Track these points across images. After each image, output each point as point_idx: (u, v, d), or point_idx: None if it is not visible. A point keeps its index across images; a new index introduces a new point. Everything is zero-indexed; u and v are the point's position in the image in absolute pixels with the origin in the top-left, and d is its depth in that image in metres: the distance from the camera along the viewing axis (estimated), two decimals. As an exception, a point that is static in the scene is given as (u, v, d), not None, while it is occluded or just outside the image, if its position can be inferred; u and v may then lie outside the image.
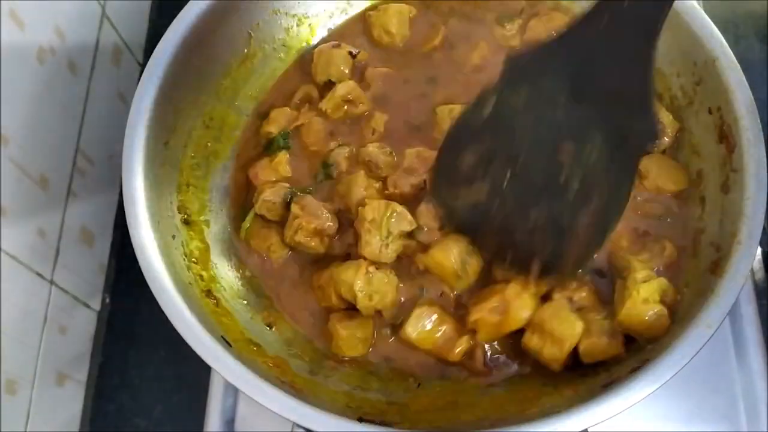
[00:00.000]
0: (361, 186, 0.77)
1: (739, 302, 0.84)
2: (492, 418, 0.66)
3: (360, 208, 0.74)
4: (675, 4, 0.74)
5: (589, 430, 0.61)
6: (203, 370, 0.77)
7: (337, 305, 0.75)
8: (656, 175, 0.77)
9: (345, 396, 0.70)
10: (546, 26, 0.86)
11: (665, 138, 0.79)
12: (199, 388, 0.84)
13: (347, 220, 0.78)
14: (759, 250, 0.89)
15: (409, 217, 0.73)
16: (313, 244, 0.77)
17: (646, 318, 0.67)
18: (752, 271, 0.86)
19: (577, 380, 0.69)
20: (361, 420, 0.63)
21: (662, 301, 0.68)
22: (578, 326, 0.67)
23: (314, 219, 0.76)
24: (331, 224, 0.77)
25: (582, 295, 0.71)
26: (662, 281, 0.69)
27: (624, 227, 0.75)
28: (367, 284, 0.72)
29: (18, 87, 0.75)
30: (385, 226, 0.72)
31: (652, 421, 0.80)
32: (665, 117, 0.79)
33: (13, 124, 0.74)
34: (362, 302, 0.72)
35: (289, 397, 0.62)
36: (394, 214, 0.73)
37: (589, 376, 0.69)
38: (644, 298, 0.67)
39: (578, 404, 0.60)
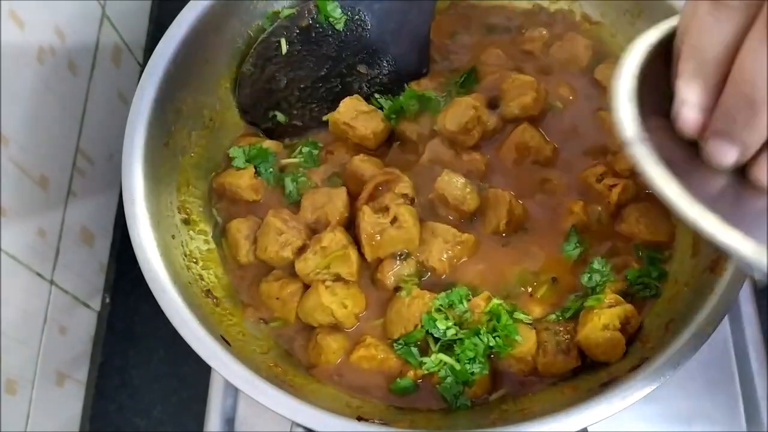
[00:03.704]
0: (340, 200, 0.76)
1: (739, 302, 0.84)
2: (492, 417, 0.67)
3: (326, 231, 0.73)
4: (675, 4, 0.75)
5: (588, 429, 0.61)
6: (203, 370, 0.77)
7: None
8: (635, 221, 0.75)
9: (344, 395, 0.70)
10: (568, 50, 0.85)
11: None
12: (199, 388, 0.84)
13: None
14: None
15: (354, 269, 0.72)
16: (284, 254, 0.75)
17: (602, 343, 0.68)
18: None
19: (577, 379, 0.69)
20: (360, 419, 0.63)
21: (622, 328, 0.69)
22: (531, 337, 0.70)
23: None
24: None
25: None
26: (627, 308, 0.70)
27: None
28: (333, 295, 0.71)
29: (18, 87, 0.75)
30: (328, 259, 0.72)
31: (652, 421, 0.80)
32: None
33: (13, 124, 0.74)
34: (340, 313, 0.71)
35: (289, 396, 0.62)
36: (344, 254, 0.72)
37: (588, 374, 0.69)
38: (604, 324, 0.68)
39: (578, 403, 0.60)
